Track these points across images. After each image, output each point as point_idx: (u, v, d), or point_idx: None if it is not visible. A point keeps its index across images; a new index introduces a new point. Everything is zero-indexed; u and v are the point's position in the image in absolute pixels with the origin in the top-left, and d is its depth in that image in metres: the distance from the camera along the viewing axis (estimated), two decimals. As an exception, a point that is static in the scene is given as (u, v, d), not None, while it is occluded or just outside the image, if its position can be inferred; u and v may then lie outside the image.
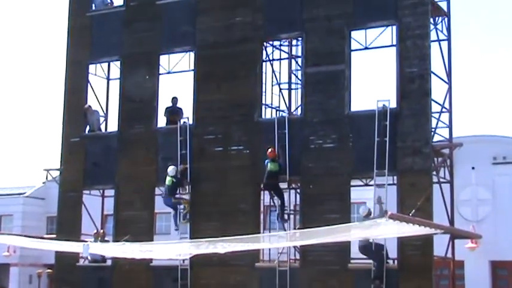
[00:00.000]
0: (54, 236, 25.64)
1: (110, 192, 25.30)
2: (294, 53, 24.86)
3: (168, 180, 22.52)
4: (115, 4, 25.98)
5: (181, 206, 22.86)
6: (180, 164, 22.74)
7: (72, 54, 25.94)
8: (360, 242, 19.98)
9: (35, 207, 49.83)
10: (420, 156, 20.05)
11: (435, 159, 20.72)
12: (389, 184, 20.44)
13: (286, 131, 21.60)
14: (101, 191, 26.19)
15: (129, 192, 24.08)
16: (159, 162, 23.63)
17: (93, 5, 25.99)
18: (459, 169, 27.34)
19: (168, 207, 23.00)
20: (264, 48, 23.43)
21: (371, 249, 19.92)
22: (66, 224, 25.25)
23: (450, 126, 21.92)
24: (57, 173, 25.91)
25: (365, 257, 20.51)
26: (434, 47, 21.18)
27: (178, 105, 24.34)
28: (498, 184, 33.26)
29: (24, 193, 50.68)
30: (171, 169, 22.46)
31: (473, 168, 33.14)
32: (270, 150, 21.17)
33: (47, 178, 26.82)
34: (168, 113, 24.10)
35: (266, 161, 21.29)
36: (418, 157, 20.06)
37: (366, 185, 23.56)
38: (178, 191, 22.80)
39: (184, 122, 23.17)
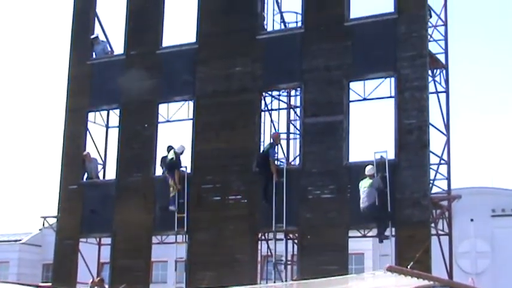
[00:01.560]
0: (49, 284, 25.43)
1: (106, 240, 25.17)
2: (292, 103, 24.95)
3: (170, 155, 23.03)
4: (115, 53, 26.13)
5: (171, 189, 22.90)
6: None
7: (72, 101, 26.02)
8: (362, 204, 20.05)
9: (31, 254, 49.54)
10: (419, 208, 19.97)
11: (434, 211, 20.66)
12: (387, 236, 20.32)
13: (284, 181, 21.55)
14: (98, 238, 26.04)
15: (126, 240, 23.94)
16: (157, 211, 23.55)
17: (94, 54, 26.15)
18: (458, 221, 27.30)
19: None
20: (262, 98, 23.52)
21: (376, 209, 20.01)
22: (62, 271, 25.04)
23: (449, 178, 21.89)
24: (54, 220, 25.82)
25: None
26: (432, 99, 21.29)
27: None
28: (497, 237, 33.17)
29: (20, 240, 50.43)
30: (178, 147, 23.05)
31: (472, 220, 33.10)
32: (276, 134, 22.38)
33: (43, 225, 26.67)
34: (163, 163, 24.03)
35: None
36: (416, 209, 19.99)
37: (364, 236, 23.44)
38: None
39: (182, 171, 23.14)
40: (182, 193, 22.94)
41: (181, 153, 23.16)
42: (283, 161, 23.68)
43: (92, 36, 26.19)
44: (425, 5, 21.10)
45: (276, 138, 22.33)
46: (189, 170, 23.26)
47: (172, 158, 22.99)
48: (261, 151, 22.15)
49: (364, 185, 20.20)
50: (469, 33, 46.09)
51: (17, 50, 55.02)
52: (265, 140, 24.05)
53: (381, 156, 20.46)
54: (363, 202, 20.12)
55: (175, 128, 25.31)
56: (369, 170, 20.30)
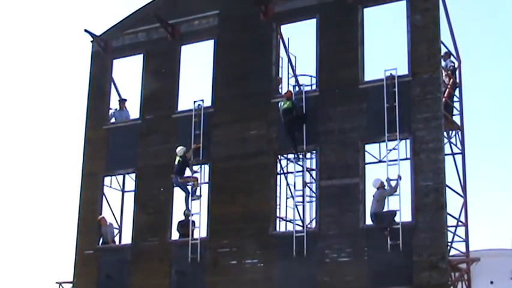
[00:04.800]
0: None
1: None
2: (308, 165, 24.92)
3: (176, 160, 23.31)
4: (131, 117, 26.31)
5: (191, 184, 23.39)
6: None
7: (88, 166, 26.10)
8: (371, 210, 20.53)
9: (47, 320, 49.10)
10: (437, 271, 19.75)
11: (452, 274, 20.47)
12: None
13: (304, 244, 21.38)
14: (114, 304, 25.82)
15: (142, 305, 23.76)
16: (173, 276, 23.39)
17: (114, 116, 26.32)
18: (477, 284, 26.79)
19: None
20: (278, 161, 23.54)
21: (382, 215, 20.38)
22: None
23: (467, 240, 21.71)
24: (70, 285, 25.65)
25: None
26: (448, 161, 21.22)
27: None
28: (518, 299, 32.57)
29: (36, 306, 50.03)
30: (179, 149, 23.37)
31: (491, 283, 32.48)
32: (287, 91, 22.85)
33: (59, 291, 26.49)
34: (180, 227, 23.99)
35: (279, 104, 22.25)
36: (434, 272, 19.77)
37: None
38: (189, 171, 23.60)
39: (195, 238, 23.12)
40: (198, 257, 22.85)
41: (185, 152, 23.58)
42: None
43: (121, 98, 26.49)
44: (439, 67, 21.20)
45: (289, 95, 22.64)
46: (204, 234, 23.17)
47: (179, 161, 23.40)
48: (281, 112, 22.34)
49: (377, 197, 20.61)
50: (484, 93, 46.18)
51: (31, 112, 55.77)
52: (281, 203, 24.07)
53: (390, 74, 21.09)
54: (371, 208, 20.66)
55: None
56: (375, 182, 20.65)
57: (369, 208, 20.93)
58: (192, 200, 23.50)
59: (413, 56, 21.35)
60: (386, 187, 20.64)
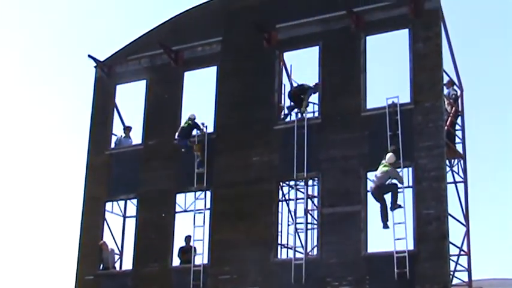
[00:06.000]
0: None
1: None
2: (310, 192, 24.87)
3: (184, 122, 24.14)
4: (133, 142, 26.32)
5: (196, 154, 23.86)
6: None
7: (90, 191, 26.07)
8: (374, 184, 20.61)
9: None
10: (439, 300, 19.63)
11: (454, 303, 20.29)
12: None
13: (303, 272, 21.31)
14: (114, 330, 25.69)
15: (142, 332, 23.63)
16: (174, 302, 23.30)
17: (114, 143, 26.34)
18: (479, 313, 26.72)
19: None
20: (280, 188, 23.50)
21: (384, 188, 20.48)
22: None
23: (469, 270, 21.61)
24: (70, 311, 25.54)
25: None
26: (451, 189, 21.17)
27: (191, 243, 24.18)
28: (520, 329, 32.36)
29: (35, 332, 49.75)
30: (191, 114, 24.13)
31: (494, 312, 32.38)
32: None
33: (59, 317, 26.38)
34: (181, 253, 23.92)
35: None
36: (437, 301, 19.64)
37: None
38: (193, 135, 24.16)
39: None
40: (199, 284, 22.77)
41: (194, 118, 24.11)
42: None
43: (126, 126, 26.58)
44: (441, 95, 21.24)
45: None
46: (206, 261, 23.10)
47: (187, 124, 24.10)
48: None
49: (381, 169, 20.59)
50: (486, 122, 46.21)
51: (34, 137, 55.93)
52: (283, 230, 23.99)
53: (393, 102, 21.26)
54: (374, 182, 20.61)
55: (192, 217, 25.19)
56: (389, 157, 20.57)
57: (370, 235, 20.93)
58: (197, 170, 23.70)
59: (415, 84, 21.39)
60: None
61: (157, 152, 25.05)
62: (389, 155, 20.57)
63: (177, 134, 24.24)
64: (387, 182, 20.59)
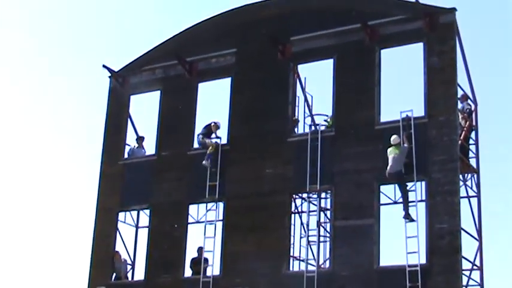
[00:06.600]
0: None
1: None
2: (323, 205, 24.83)
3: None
4: (147, 153, 26.37)
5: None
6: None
7: (103, 201, 26.10)
8: (391, 169, 20.83)
9: None
10: (451, 315, 19.55)
11: (467, 318, 20.20)
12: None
13: (315, 284, 21.26)
14: None
15: None
16: (185, 313, 23.29)
17: (127, 153, 26.40)
18: (492, 328, 26.57)
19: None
20: (293, 200, 23.48)
21: (401, 175, 20.77)
22: None
23: (482, 285, 21.53)
24: (81, 321, 25.56)
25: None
26: (464, 204, 21.10)
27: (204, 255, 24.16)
28: None
29: None
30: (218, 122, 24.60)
31: (506, 327, 32.18)
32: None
33: (71, 327, 26.41)
34: (193, 264, 23.92)
35: None
36: (449, 316, 19.56)
37: None
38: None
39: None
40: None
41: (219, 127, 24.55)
42: None
43: (139, 136, 26.65)
44: (455, 109, 21.20)
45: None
46: (217, 272, 23.08)
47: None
48: None
49: (394, 151, 20.83)
50: (500, 137, 46.04)
51: (47, 146, 56.12)
52: (295, 242, 23.94)
53: (407, 115, 21.24)
54: (391, 167, 20.79)
55: (204, 228, 25.20)
56: (394, 139, 20.83)
57: (383, 248, 20.86)
58: (204, 164, 23.87)
59: (429, 98, 21.38)
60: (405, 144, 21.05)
61: (170, 162, 25.08)
62: (393, 137, 20.90)
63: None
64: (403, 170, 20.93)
